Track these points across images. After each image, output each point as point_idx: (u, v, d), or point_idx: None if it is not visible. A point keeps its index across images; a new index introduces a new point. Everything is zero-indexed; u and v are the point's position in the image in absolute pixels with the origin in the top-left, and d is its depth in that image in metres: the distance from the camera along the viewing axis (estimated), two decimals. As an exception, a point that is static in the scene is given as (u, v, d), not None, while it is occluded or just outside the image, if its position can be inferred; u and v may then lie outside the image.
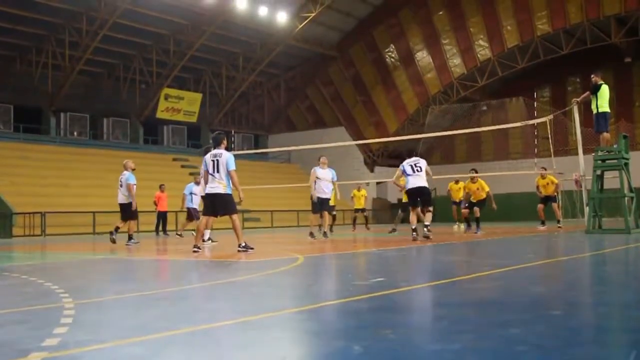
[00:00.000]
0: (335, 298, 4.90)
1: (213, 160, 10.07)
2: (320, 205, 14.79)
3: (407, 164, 12.91)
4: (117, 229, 14.23)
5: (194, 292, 5.67)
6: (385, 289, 5.23)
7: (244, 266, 8.21)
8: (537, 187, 19.03)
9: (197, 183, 16.64)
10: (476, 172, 17.97)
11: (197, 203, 17.16)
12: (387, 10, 38.97)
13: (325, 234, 14.84)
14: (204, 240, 12.44)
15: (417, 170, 12.75)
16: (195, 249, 10.11)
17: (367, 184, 37.96)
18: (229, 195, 10.17)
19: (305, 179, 37.22)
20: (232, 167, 10.03)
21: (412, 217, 12.87)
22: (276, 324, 3.82)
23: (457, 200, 20.18)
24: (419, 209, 13.19)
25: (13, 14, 29.50)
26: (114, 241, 13.98)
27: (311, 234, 14.91)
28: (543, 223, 18.81)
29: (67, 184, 28.21)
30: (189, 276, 7.37)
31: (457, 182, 20.48)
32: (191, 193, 17.52)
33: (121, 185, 14.20)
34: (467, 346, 3.04)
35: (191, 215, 17.61)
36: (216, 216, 10.57)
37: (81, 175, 29.36)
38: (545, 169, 18.62)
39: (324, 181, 14.77)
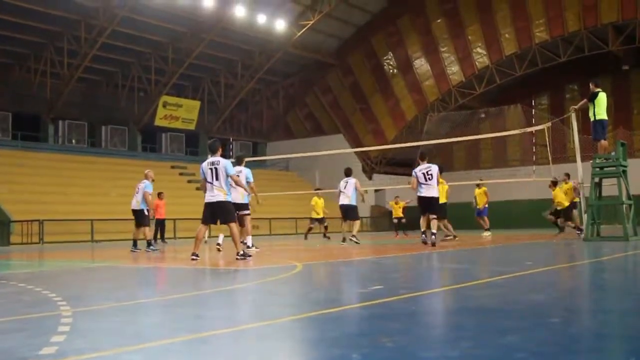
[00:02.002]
0: (334, 306, 4.89)
1: (211, 169, 9.94)
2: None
3: (419, 171, 13.15)
4: (147, 243, 14.52)
5: (191, 300, 5.65)
6: (383, 296, 5.23)
7: (242, 274, 8.20)
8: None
9: None
10: (569, 177, 18.26)
11: None
12: (386, 19, 39.07)
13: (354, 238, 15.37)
14: (248, 247, 12.84)
15: (429, 179, 13.02)
16: (194, 257, 10.08)
17: (365, 191, 37.94)
18: (230, 202, 10.17)
19: (303, 186, 37.10)
20: (232, 171, 10.06)
21: (422, 223, 13.32)
22: (274, 333, 3.82)
23: (480, 208, 19.70)
24: (428, 216, 13.49)
25: (12, 22, 29.54)
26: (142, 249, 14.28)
27: (345, 240, 15.76)
28: (579, 230, 18.56)
29: (65, 192, 28.17)
30: (186, 284, 7.35)
31: (479, 185, 20.06)
32: None
33: (137, 192, 14.55)
34: (465, 353, 3.03)
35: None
36: (215, 224, 10.59)
37: (79, 182, 29.33)
38: (568, 175, 18.62)
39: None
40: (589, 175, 14.55)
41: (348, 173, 15.73)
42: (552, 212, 18.28)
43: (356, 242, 15.04)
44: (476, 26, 37.14)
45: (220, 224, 10.39)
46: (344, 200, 15.53)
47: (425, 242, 12.96)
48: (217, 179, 9.89)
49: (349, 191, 15.44)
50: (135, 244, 14.48)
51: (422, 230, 13.23)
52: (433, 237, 13.12)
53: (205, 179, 10.02)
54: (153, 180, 14.73)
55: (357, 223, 15.91)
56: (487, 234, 19.51)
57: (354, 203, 15.54)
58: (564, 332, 3.59)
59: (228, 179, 10.01)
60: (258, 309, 4.93)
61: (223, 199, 9.94)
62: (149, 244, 14.47)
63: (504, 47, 36.46)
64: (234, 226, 10.07)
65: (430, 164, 13.25)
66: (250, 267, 8.96)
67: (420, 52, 39.34)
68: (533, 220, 31.48)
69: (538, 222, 29.80)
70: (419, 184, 13.06)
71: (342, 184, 15.62)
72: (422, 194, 13.06)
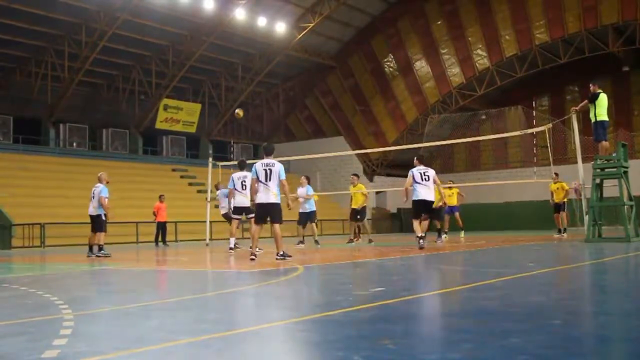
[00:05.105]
0: (335, 308, 4.89)
1: (265, 170, 10.29)
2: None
3: (417, 171, 12.96)
4: (99, 247, 13.91)
5: (194, 302, 5.66)
6: (385, 298, 5.23)
7: (244, 277, 8.21)
8: (551, 193, 19.28)
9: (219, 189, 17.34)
10: (557, 175, 18.97)
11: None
12: (386, 21, 39.08)
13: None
14: (231, 248, 13.65)
15: (425, 180, 12.83)
16: (252, 257, 10.41)
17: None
18: (279, 204, 10.50)
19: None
20: (284, 176, 10.41)
21: (417, 226, 12.92)
22: (276, 335, 3.82)
23: (451, 206, 19.73)
24: (422, 219, 13.18)
25: (12, 26, 29.55)
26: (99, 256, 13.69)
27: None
28: (559, 231, 18.88)
29: (66, 195, 28.15)
30: (188, 287, 7.35)
31: (450, 187, 20.12)
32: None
33: (93, 197, 14.08)
34: (466, 356, 3.03)
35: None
36: (265, 223, 10.84)
37: (80, 186, 29.20)
38: (557, 175, 18.88)
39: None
40: (590, 176, 14.55)
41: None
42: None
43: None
44: (476, 28, 37.15)
45: (265, 223, 10.70)
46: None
47: (422, 248, 12.51)
48: (270, 180, 10.24)
49: None
50: (91, 249, 13.95)
51: (418, 235, 12.75)
52: (422, 240, 13.03)
53: (258, 179, 10.30)
54: (108, 183, 14.25)
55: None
56: (462, 234, 20.33)
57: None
58: (565, 334, 3.59)
59: (278, 181, 10.34)
60: (259, 312, 4.93)
61: (275, 201, 10.30)
62: (100, 248, 13.84)
63: (504, 48, 36.44)
64: (278, 227, 10.44)
65: (428, 167, 13.15)
66: (252, 269, 8.96)
67: (421, 54, 39.33)
68: (533, 222, 31.49)
69: (539, 223, 29.80)
70: (415, 183, 12.82)
71: None
72: (419, 197, 12.79)
